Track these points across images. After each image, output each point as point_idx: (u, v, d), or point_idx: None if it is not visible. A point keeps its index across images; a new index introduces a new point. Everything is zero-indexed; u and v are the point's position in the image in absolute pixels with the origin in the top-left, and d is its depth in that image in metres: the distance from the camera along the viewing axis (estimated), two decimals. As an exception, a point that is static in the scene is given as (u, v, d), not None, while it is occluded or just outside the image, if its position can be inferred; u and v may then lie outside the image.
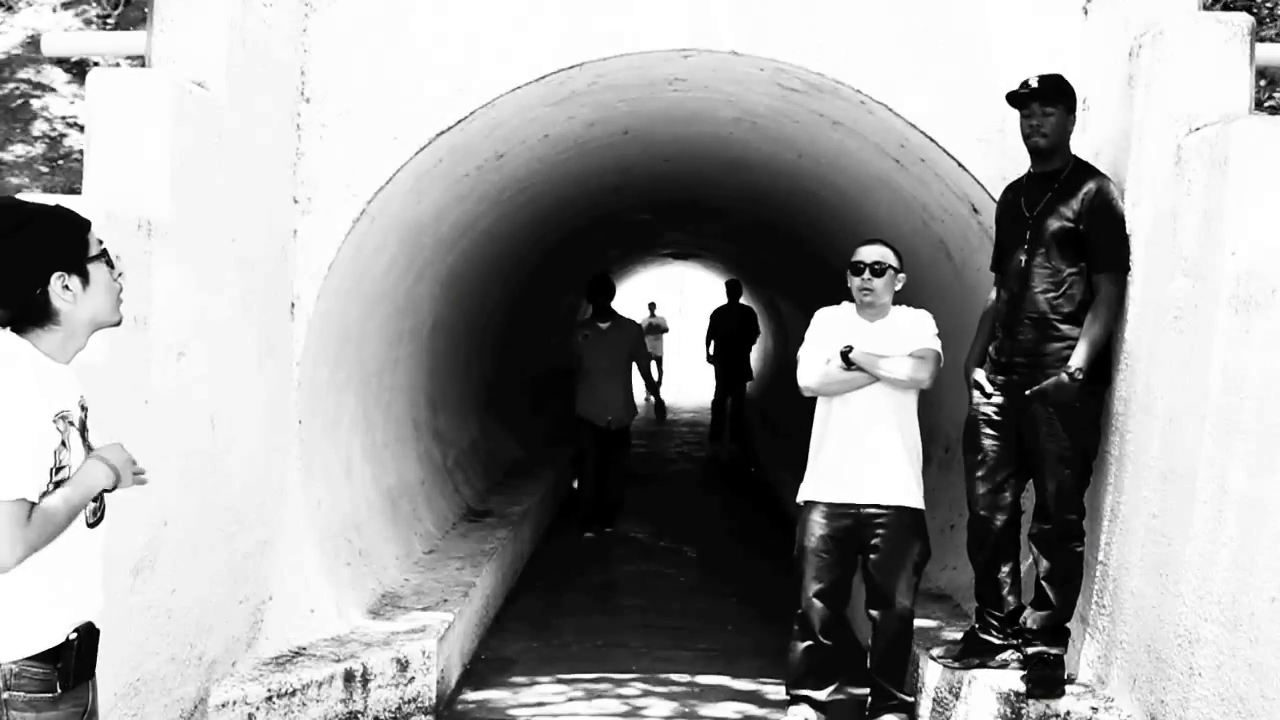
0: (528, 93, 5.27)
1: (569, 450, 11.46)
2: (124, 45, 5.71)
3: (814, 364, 4.52)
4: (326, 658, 4.69)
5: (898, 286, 4.58)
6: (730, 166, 8.04)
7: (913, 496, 4.51)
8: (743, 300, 15.10)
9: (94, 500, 2.33)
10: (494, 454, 9.31)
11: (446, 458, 7.88)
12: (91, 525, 2.32)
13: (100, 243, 2.34)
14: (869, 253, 4.56)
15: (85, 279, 2.29)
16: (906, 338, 4.50)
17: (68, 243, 2.28)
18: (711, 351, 14.65)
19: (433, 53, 5.12)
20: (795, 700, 4.58)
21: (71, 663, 2.23)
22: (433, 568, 6.16)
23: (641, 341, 9.17)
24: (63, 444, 2.21)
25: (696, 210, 11.31)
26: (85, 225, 2.33)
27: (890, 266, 4.53)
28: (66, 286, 2.26)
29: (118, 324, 2.40)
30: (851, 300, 4.62)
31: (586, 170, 7.73)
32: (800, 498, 4.62)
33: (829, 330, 4.58)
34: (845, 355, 4.43)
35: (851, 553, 4.53)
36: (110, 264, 2.35)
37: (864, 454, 4.46)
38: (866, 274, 4.51)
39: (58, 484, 2.20)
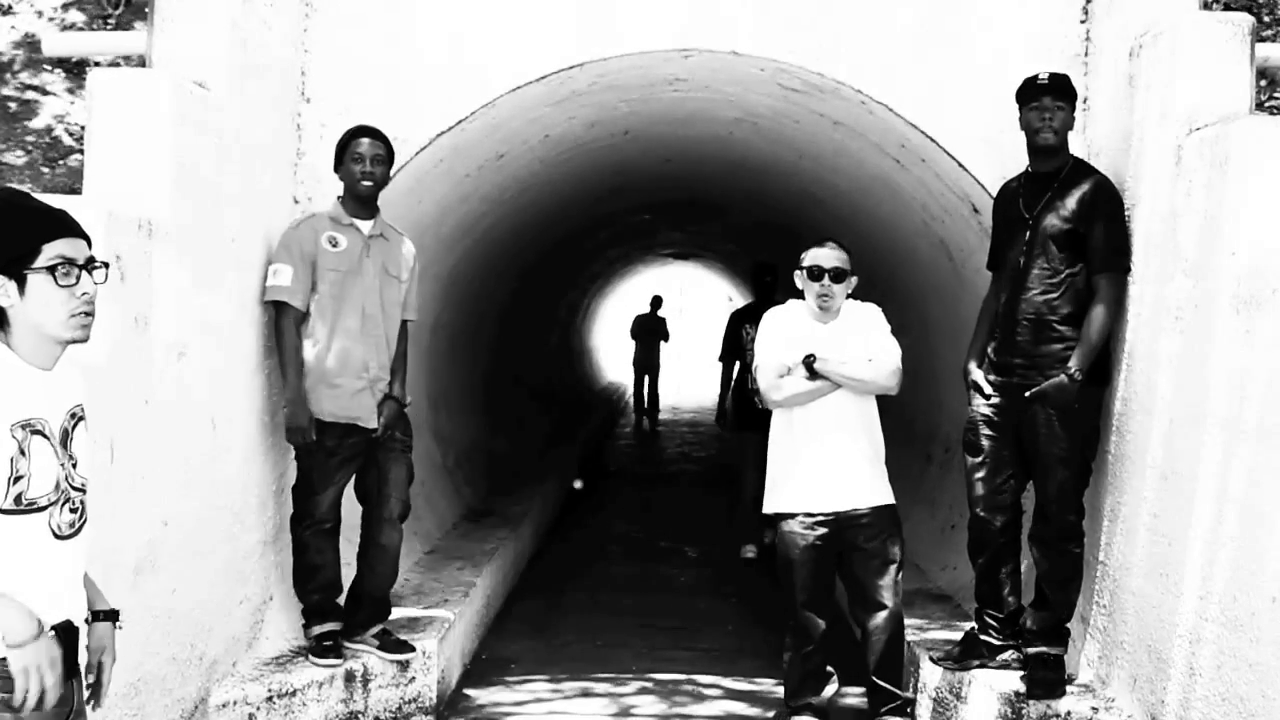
0: (528, 93, 5.27)
1: (571, 450, 11.46)
2: (124, 45, 5.71)
3: (777, 376, 4.37)
4: (327, 658, 4.68)
5: (850, 289, 4.47)
6: (731, 167, 8.04)
7: (886, 494, 4.45)
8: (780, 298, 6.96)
9: (72, 511, 2.30)
10: (495, 454, 9.31)
11: (447, 458, 7.88)
12: (64, 538, 2.29)
13: (61, 258, 2.23)
14: (828, 257, 4.39)
15: (21, 287, 2.22)
16: (860, 336, 4.41)
17: (1, 245, 2.22)
18: (732, 383, 8.22)
19: (433, 52, 5.12)
20: (796, 711, 4.54)
21: None
22: (433, 568, 6.16)
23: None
24: (21, 453, 2.18)
25: (696, 210, 11.32)
26: (41, 234, 2.24)
27: (849, 271, 4.41)
28: (2, 289, 2.21)
29: (76, 342, 2.30)
30: (798, 298, 4.51)
31: (587, 170, 7.73)
32: (772, 509, 4.48)
33: (783, 334, 4.45)
34: (809, 365, 4.32)
35: (832, 556, 4.44)
36: (68, 280, 2.24)
37: (835, 461, 4.36)
38: (826, 280, 4.36)
39: (18, 496, 2.18)
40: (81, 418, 2.37)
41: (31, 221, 2.26)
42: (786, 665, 4.55)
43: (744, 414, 7.71)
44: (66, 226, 2.28)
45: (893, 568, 4.42)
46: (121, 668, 3.58)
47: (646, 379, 16.79)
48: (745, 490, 7.84)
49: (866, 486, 4.40)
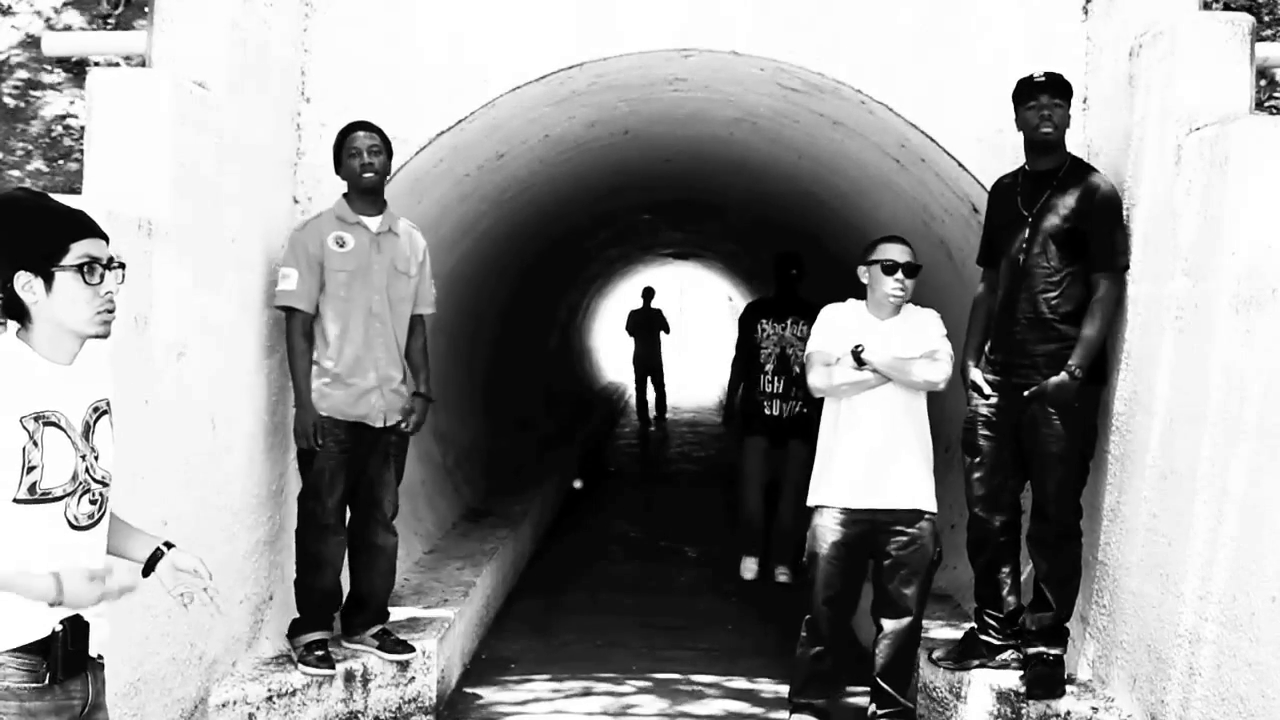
0: (528, 92, 5.27)
1: (571, 450, 11.45)
2: (124, 45, 5.70)
3: (824, 365, 4.38)
4: (327, 657, 4.68)
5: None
6: (730, 167, 8.04)
7: (930, 499, 4.37)
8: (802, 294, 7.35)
9: (91, 503, 2.33)
10: (494, 454, 9.31)
11: (447, 457, 7.88)
12: (82, 528, 2.31)
13: (88, 257, 2.29)
14: (900, 252, 4.38)
15: (48, 284, 2.27)
16: (916, 337, 4.38)
17: (30, 243, 2.27)
18: (738, 385, 7.68)
19: (433, 52, 5.12)
20: (798, 708, 4.53)
21: (59, 654, 2.25)
22: (433, 567, 6.16)
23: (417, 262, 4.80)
24: (33, 443, 2.21)
25: (696, 210, 11.32)
26: (68, 233, 2.29)
27: (919, 267, 4.41)
28: (28, 286, 2.26)
29: (97, 337, 2.36)
30: (858, 298, 4.50)
31: (587, 170, 7.73)
32: (812, 501, 4.45)
33: (838, 328, 4.43)
34: (857, 355, 4.29)
35: (863, 558, 4.42)
36: (94, 279, 2.29)
37: (880, 457, 4.31)
38: (900, 274, 4.35)
39: (32, 486, 2.21)
40: (105, 411, 2.42)
41: (59, 221, 2.33)
42: (795, 659, 4.54)
43: (751, 419, 7.36)
44: (90, 227, 2.35)
45: (922, 577, 4.35)
46: (121, 667, 3.58)
47: (650, 379, 16.32)
48: (747, 505, 7.48)
49: (908, 488, 4.32)
